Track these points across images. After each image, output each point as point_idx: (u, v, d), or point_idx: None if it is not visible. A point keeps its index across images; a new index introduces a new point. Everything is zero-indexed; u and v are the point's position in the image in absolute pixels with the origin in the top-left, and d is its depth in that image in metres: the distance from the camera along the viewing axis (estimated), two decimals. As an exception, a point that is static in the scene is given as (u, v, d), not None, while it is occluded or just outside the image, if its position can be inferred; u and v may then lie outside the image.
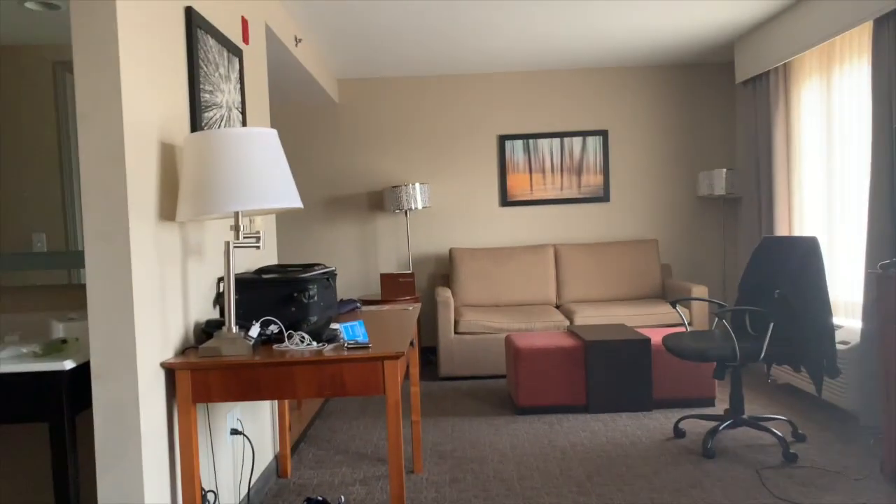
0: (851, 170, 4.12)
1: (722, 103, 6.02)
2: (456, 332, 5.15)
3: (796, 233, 4.73)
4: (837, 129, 4.25)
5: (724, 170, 5.55)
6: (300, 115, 6.04)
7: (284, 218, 6.07)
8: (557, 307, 5.72)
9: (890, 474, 3.00)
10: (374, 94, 6.02)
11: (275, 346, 2.24)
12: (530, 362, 4.20)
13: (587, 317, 5.12)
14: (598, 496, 2.97)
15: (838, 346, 3.83)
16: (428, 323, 6.10)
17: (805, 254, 3.36)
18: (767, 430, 3.43)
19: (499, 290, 5.64)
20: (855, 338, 3.77)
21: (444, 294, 5.20)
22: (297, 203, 2.14)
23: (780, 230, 4.80)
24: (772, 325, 3.35)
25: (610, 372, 4.19)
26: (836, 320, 4.11)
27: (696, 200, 6.06)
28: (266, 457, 3.23)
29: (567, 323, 5.09)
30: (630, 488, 3.04)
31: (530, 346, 4.23)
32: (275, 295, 2.44)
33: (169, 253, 2.20)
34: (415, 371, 3.34)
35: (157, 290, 2.10)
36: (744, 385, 4.75)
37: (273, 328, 2.34)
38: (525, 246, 5.85)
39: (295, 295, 2.44)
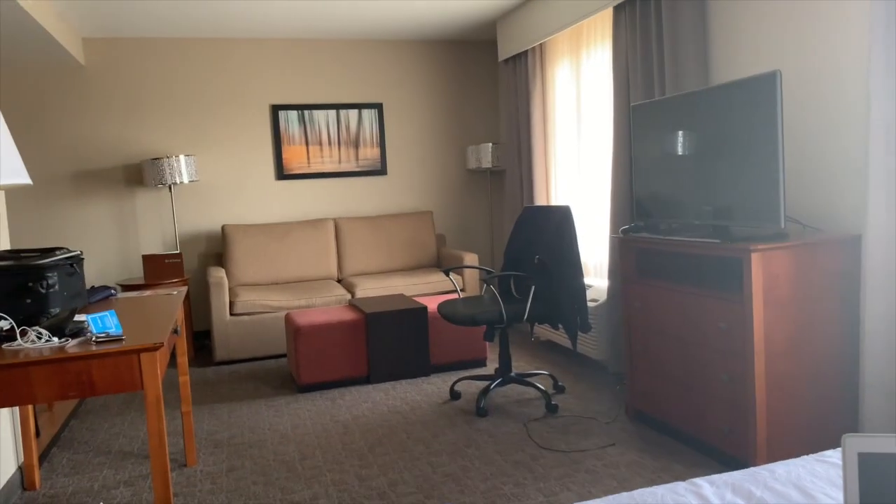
0: (597, 143, 4.56)
1: (488, 80, 6.33)
2: (232, 314, 4.90)
3: (553, 202, 5.14)
4: (585, 106, 4.66)
5: (490, 144, 5.86)
6: (38, 78, 5.28)
7: (22, 197, 5.31)
8: (339, 281, 5.69)
9: (633, 415, 3.41)
10: (129, 56, 5.45)
11: (5, 346, 1.94)
12: (311, 339, 4.13)
13: (368, 289, 5.15)
14: (380, 466, 3.02)
15: (589, 304, 4.25)
16: (201, 306, 5.74)
17: (560, 221, 3.65)
18: (532, 384, 3.72)
19: (277, 267, 5.46)
20: (603, 296, 4.21)
21: (217, 274, 4.92)
22: (21, 179, 1.86)
23: (539, 200, 5.19)
24: (533, 287, 3.61)
25: (390, 342, 4.26)
26: (586, 281, 4.55)
27: (466, 173, 6.34)
28: (7, 470, 2.83)
29: (348, 296, 5.09)
30: (410, 454, 3.13)
31: (310, 323, 4.16)
32: (5, 286, 2.11)
33: None
34: (183, 360, 3.12)
35: None
36: (511, 345, 5.10)
37: (3, 324, 2.02)
38: (304, 220, 5.72)
39: (30, 285, 2.13)
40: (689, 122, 2.97)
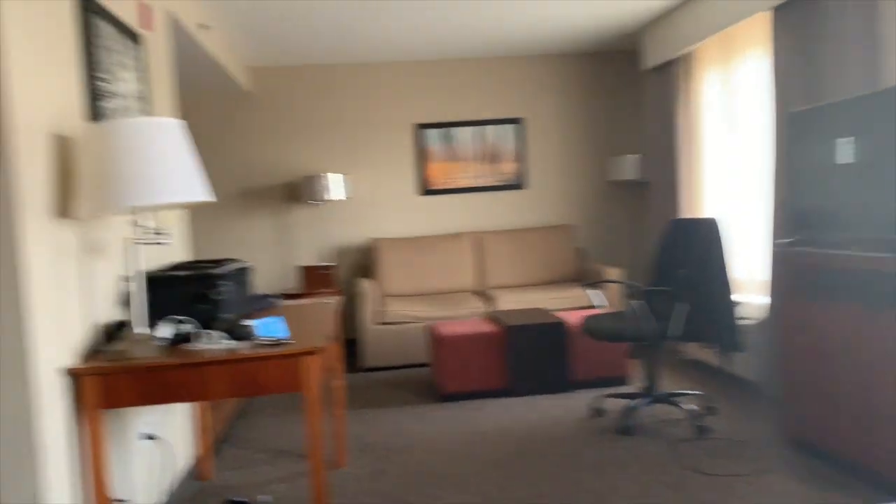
0: (751, 153, 4.32)
1: (630, 91, 6.19)
2: (379, 323, 5.11)
3: (702, 215, 4.93)
4: (738, 114, 4.44)
5: (634, 155, 5.72)
6: (211, 104, 5.82)
7: (200, 212, 5.86)
8: (479, 294, 5.77)
9: (792, 441, 3.19)
10: (288, 82, 5.87)
11: (186, 346, 2.15)
12: (453, 349, 4.22)
13: (507, 302, 5.19)
14: (522, 478, 3.02)
15: (743, 322, 4.02)
16: (352, 315, 6.03)
17: (707, 235, 3.50)
18: (680, 405, 3.58)
19: (421, 278, 5.64)
20: (759, 313, 3.97)
21: (366, 285, 5.15)
22: (205, 196, 2.06)
23: (687, 213, 4.99)
24: (681, 304, 3.48)
25: (530, 355, 4.26)
26: (740, 297, 4.31)
27: (607, 185, 6.22)
28: (184, 460, 3.12)
29: (489, 309, 5.15)
30: (553, 469, 3.11)
31: (452, 334, 4.25)
32: (185, 292, 2.35)
33: (68, 252, 2.07)
34: (337, 365, 3.30)
35: (54, 292, 1.97)
36: (657, 363, 4.92)
37: (184, 327, 2.24)
38: (446, 234, 5.86)
39: (207, 292, 2.35)
40: (859, 127, 2.75)
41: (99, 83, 2.35)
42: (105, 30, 2.45)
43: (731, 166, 4.56)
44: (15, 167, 1.79)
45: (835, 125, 2.89)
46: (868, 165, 2.71)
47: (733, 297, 3.42)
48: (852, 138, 2.79)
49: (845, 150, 2.83)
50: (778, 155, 3.76)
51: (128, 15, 2.75)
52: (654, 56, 5.24)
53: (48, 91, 2.00)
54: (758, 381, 3.94)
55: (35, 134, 1.91)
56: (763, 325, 3.87)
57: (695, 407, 3.85)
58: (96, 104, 2.32)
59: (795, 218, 3.17)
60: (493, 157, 6.08)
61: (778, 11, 3.74)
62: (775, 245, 3.76)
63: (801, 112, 3.11)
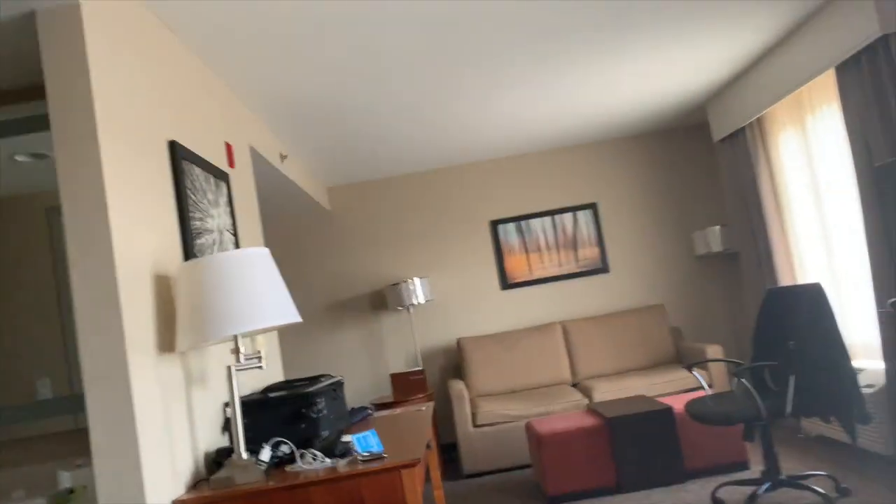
0: (841, 211, 4.14)
1: (704, 162, 6.12)
2: (474, 425, 5.02)
3: (798, 281, 4.70)
4: (820, 173, 4.30)
5: (718, 227, 5.58)
6: (294, 226, 6.12)
7: (288, 330, 6.04)
8: (574, 385, 5.61)
9: (945, 520, 2.86)
10: (365, 197, 6.13)
11: (287, 468, 2.17)
12: (554, 447, 4.07)
13: (605, 392, 5.01)
14: (644, 584, 2.81)
15: (864, 390, 3.73)
16: (445, 418, 5.96)
17: (812, 301, 3.32)
18: (809, 487, 3.29)
19: (512, 375, 5.55)
20: (879, 379, 3.68)
21: (458, 387, 5.11)
22: (294, 318, 2.13)
23: (783, 280, 4.77)
24: (792, 377, 3.27)
25: (637, 447, 4.05)
26: (855, 363, 4.02)
27: (694, 260, 6.06)
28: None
29: (586, 401, 4.98)
30: (676, 571, 2.88)
31: (552, 431, 4.12)
32: (282, 413, 2.39)
33: (171, 385, 2.17)
34: (436, 473, 3.23)
35: (163, 426, 2.05)
36: (776, 443, 4.59)
37: (284, 448, 2.27)
38: (532, 327, 5.80)
39: (303, 411, 2.39)
40: (955, 172, 2.61)
41: (194, 222, 2.53)
42: (196, 172, 2.65)
43: (823, 227, 4.37)
44: (123, 311, 1.91)
45: (929, 173, 2.75)
46: (974, 211, 2.54)
47: (851, 365, 3.19)
48: (951, 185, 2.64)
49: (946, 198, 2.68)
50: (865, 211, 3.59)
51: (215, 156, 2.98)
52: (724, 126, 5.20)
53: (149, 236, 2.17)
54: (892, 454, 3.59)
55: (140, 278, 2.05)
56: (885, 391, 3.57)
57: (825, 489, 3.53)
58: (192, 242, 2.49)
59: (903, 274, 2.98)
60: (571, 245, 6.06)
61: (839, 69, 3.67)
62: (883, 305, 3.52)
63: (889, 164, 2.98)
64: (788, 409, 3.24)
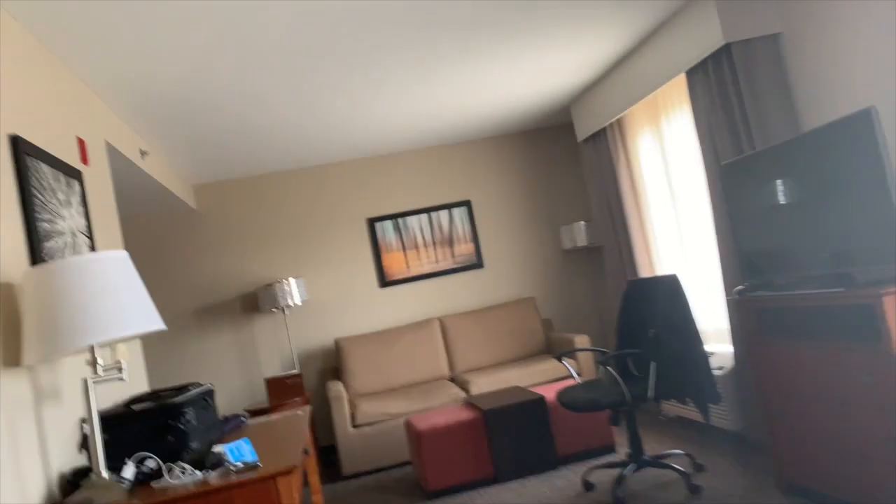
0: (693, 206, 4.46)
1: (570, 160, 6.39)
2: (354, 426, 4.97)
3: (657, 272, 5.02)
4: (674, 171, 4.61)
5: (583, 222, 5.85)
6: (157, 226, 5.78)
7: (153, 338, 5.71)
8: (452, 379, 5.69)
9: (783, 487, 3.15)
10: (234, 195, 5.90)
11: (153, 484, 2.04)
12: (434, 443, 4.11)
13: (482, 384, 5.12)
14: (522, 570, 2.90)
15: (715, 372, 4.04)
16: (324, 421, 5.86)
17: (669, 292, 3.55)
18: (669, 466, 3.53)
19: (391, 372, 5.54)
20: (728, 362, 4.00)
21: (336, 388, 5.03)
22: (158, 325, 2.01)
23: (643, 272, 5.08)
24: (654, 364, 3.48)
25: (512, 437, 4.17)
26: (708, 348, 4.35)
27: (562, 254, 6.32)
28: None
29: (463, 395, 5.07)
30: (551, 554, 2.99)
31: (431, 427, 4.15)
32: (147, 427, 2.25)
33: (16, 402, 1.98)
34: (314, 478, 3.17)
35: (6, 448, 1.87)
36: (639, 426, 4.88)
37: (150, 463, 2.14)
38: (411, 323, 5.82)
39: (170, 423, 2.26)
40: (788, 171, 2.88)
41: (42, 224, 2.32)
42: (43, 169, 2.44)
43: (678, 221, 4.69)
44: (-44, 323, 1.72)
45: (766, 171, 3.01)
46: (801, 205, 2.81)
47: (704, 350, 3.44)
48: (783, 181, 2.91)
49: (780, 193, 2.95)
50: (714, 206, 3.89)
51: (65, 152, 2.75)
52: (587, 126, 5.45)
53: (-13, 240, 1.96)
54: (740, 429, 3.92)
55: (-25, 285, 1.86)
56: (733, 373, 3.89)
57: (683, 467, 3.80)
58: (40, 245, 2.28)
59: (746, 264, 3.25)
60: (447, 241, 6.14)
61: (689, 74, 3.95)
62: (731, 293, 3.84)
63: (732, 163, 3.24)
64: (651, 393, 3.45)
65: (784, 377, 2.99)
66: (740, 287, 3.22)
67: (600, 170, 5.43)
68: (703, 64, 3.83)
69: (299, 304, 5.59)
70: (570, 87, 5.11)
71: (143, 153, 4.06)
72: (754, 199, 3.12)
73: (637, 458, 3.63)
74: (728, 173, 3.29)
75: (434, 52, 3.76)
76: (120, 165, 3.80)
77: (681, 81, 4.32)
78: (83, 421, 2.42)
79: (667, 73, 4.14)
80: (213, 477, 2.00)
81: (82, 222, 2.76)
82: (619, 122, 5.16)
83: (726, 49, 3.61)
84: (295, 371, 5.35)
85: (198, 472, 2.06)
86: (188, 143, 4.56)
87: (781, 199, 2.94)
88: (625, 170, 5.16)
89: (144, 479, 2.12)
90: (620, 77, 4.73)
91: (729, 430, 4.01)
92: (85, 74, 3.13)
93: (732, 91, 3.61)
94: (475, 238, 6.19)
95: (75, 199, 2.72)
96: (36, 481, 2.01)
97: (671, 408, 4.68)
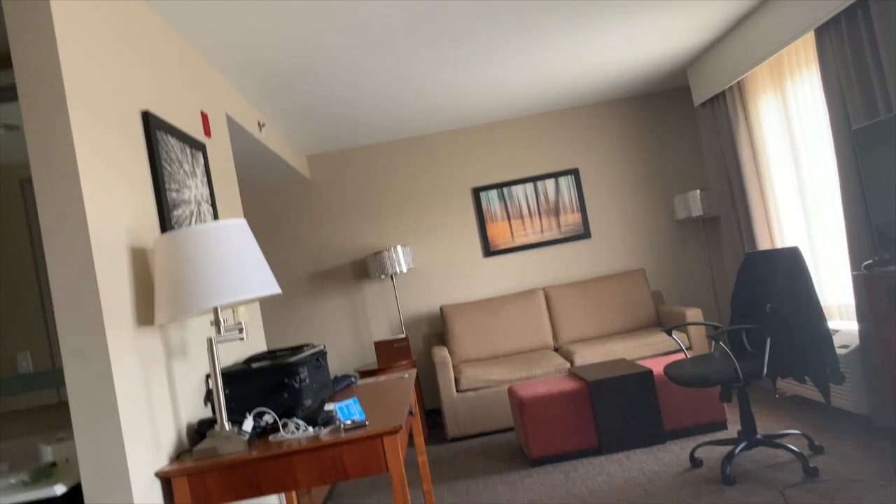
0: (820, 175, 4.17)
1: (685, 126, 6.12)
2: (458, 391, 5.07)
3: (777, 244, 4.75)
4: (799, 137, 4.32)
5: (698, 191, 5.61)
6: (273, 195, 6.07)
7: (270, 300, 6.03)
8: (556, 350, 5.67)
9: (913, 475, 2.95)
10: (345, 165, 6.08)
11: (270, 438, 2.18)
12: (537, 411, 4.13)
13: (586, 356, 5.07)
14: (624, 542, 2.88)
15: (839, 351, 3.80)
16: (429, 385, 6.02)
17: (790, 265, 3.36)
18: (784, 446, 3.37)
19: (495, 340, 5.59)
20: (853, 340, 3.75)
21: (441, 353, 5.14)
22: (274, 289, 2.12)
23: (762, 243, 4.82)
24: (769, 339, 3.32)
25: (617, 409, 4.12)
26: (831, 325, 4.09)
27: (675, 224, 6.10)
28: (279, 551, 3.12)
29: (567, 365, 5.04)
30: (655, 529, 2.96)
31: (534, 395, 4.17)
32: (265, 384, 2.40)
33: (151, 358, 2.16)
34: (419, 439, 3.27)
35: (144, 398, 2.05)
36: (752, 403, 4.69)
37: (267, 419, 2.28)
38: (515, 293, 5.83)
39: (286, 381, 2.39)
40: (930, 135, 2.63)
41: (170, 194, 2.50)
42: (171, 142, 2.61)
43: (802, 190, 4.41)
44: (100, 284, 1.89)
45: (904, 137, 2.77)
46: (948, 174, 2.57)
47: (827, 327, 3.25)
48: (926, 148, 2.66)
49: (920, 161, 2.70)
50: (842, 174, 3.62)
51: (190, 125, 2.93)
52: (704, 90, 5.19)
53: (125, 208, 2.14)
54: (864, 412, 3.68)
55: (116, 250, 2.03)
56: (859, 352, 3.64)
57: (799, 448, 3.62)
58: (169, 214, 2.46)
59: (878, 237, 3.02)
60: (553, 211, 6.07)
61: (819, 32, 3.66)
62: (858, 268, 3.58)
63: (867, 127, 2.99)
64: (765, 370, 3.30)
65: (917, 359, 2.77)
66: (869, 261, 2.99)
67: (718, 135, 5.17)
68: (835, 20, 3.54)
69: (406, 271, 5.73)
70: (687, 49, 4.87)
71: (260, 125, 4.25)
72: (889, 167, 2.88)
73: (749, 435, 3.49)
74: (861, 138, 3.04)
75: (550, 18, 3.68)
76: (239, 137, 4.00)
77: (808, 40, 4.02)
78: (207, 377, 2.62)
79: (794, 32, 3.86)
80: (325, 433, 2.11)
81: (206, 192, 2.94)
82: (740, 85, 4.87)
83: (862, 3, 3.32)
84: (402, 335, 5.51)
85: (310, 428, 2.18)
86: (302, 116, 4.73)
87: (921, 167, 2.69)
88: (745, 135, 4.89)
89: (262, 433, 2.27)
90: (742, 36, 4.45)
91: (853, 412, 3.78)
92: (207, 52, 3.30)
93: (868, 49, 3.32)
94: (582, 207, 6.08)
95: (199, 170, 2.90)
96: (167, 429, 2.19)
97: (789, 386, 4.46)
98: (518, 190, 6.07)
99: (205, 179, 2.95)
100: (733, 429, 4.19)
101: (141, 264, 2.20)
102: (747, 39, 4.40)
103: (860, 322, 3.63)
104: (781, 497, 3.04)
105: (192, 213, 2.71)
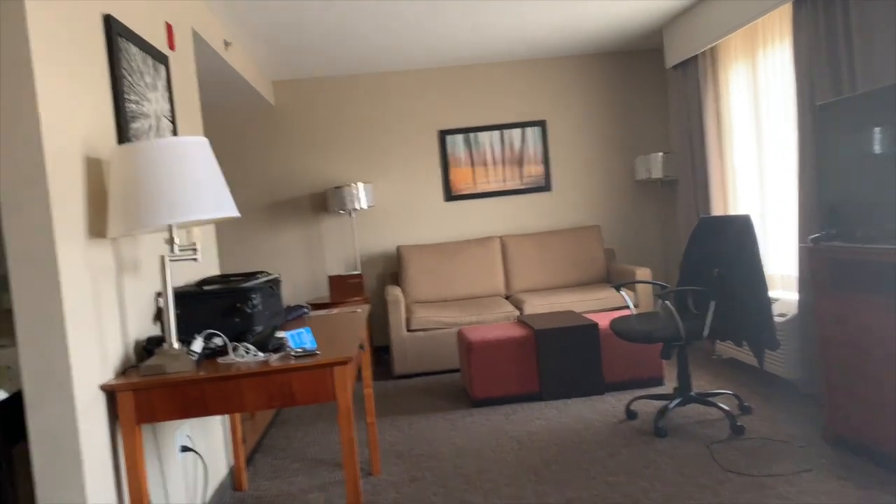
0: (779, 147, 4.26)
1: (654, 88, 6.14)
2: (408, 330, 5.13)
3: (731, 211, 4.87)
4: (764, 109, 4.39)
5: (661, 153, 5.67)
6: (236, 119, 5.91)
7: (226, 226, 5.95)
8: (507, 298, 5.76)
9: (831, 439, 3.13)
10: (312, 95, 5.94)
11: (219, 360, 2.19)
12: (483, 355, 4.22)
13: (536, 306, 5.17)
14: (556, 483, 3.01)
15: (777, 319, 3.96)
16: (380, 322, 6.07)
17: (739, 232, 3.46)
18: (715, 404, 3.53)
19: (448, 284, 5.65)
20: (792, 310, 3.91)
21: (394, 292, 5.18)
22: (232, 212, 2.09)
23: (716, 210, 4.93)
24: (713, 303, 3.44)
25: (561, 359, 4.24)
26: (772, 294, 4.25)
27: (634, 185, 6.18)
28: (220, 471, 3.17)
29: (517, 313, 5.14)
30: (586, 473, 3.09)
31: (482, 339, 4.25)
32: (217, 307, 2.38)
33: (102, 271, 2.12)
34: (367, 373, 3.32)
35: (91, 311, 2.02)
36: (690, 362, 4.87)
37: (217, 341, 2.28)
38: (472, 239, 5.87)
39: (238, 305, 2.39)
40: (889, 118, 2.70)
41: (129, 105, 2.41)
42: (133, 51, 2.51)
43: (761, 161, 4.50)
44: (51, 191, 1.84)
45: (866, 116, 2.84)
46: (900, 156, 2.65)
47: (767, 295, 3.37)
48: (882, 129, 2.74)
49: (876, 142, 2.78)
50: (801, 149, 3.70)
51: (154, 36, 2.81)
52: (677, 53, 5.20)
53: (81, 116, 2.06)
54: (794, 378, 3.87)
55: (69, 158, 1.96)
56: (796, 321, 3.81)
57: (729, 407, 3.80)
58: (127, 126, 2.38)
59: (827, 212, 3.12)
60: (517, 161, 6.07)
61: (797, 4, 3.68)
62: (805, 241, 3.70)
63: (830, 104, 3.06)
64: (706, 332, 3.43)
65: (848, 330, 2.91)
66: (816, 235, 3.10)
67: (686, 99, 5.21)
68: (812, -6, 3.56)
69: (366, 208, 5.70)
70: (665, 9, 4.85)
71: (226, 44, 4.10)
72: (846, 145, 2.95)
73: (683, 392, 3.64)
74: (823, 114, 3.11)
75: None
76: (204, 54, 3.87)
77: (785, 13, 4.04)
78: (158, 295, 2.59)
79: (772, 2, 3.87)
80: (275, 359, 2.12)
81: (166, 107, 2.85)
82: (713, 51, 4.90)
83: (841, -21, 3.34)
84: (357, 272, 5.51)
85: (260, 354, 2.19)
86: (272, 37, 4.57)
87: (877, 149, 2.77)
88: (712, 102, 4.94)
89: (211, 355, 2.27)
90: (719, 3, 4.45)
91: (783, 377, 3.97)
92: (176, -42, 3.15)
93: (841, 26, 3.36)
94: (546, 160, 6.10)
95: (161, 84, 2.80)
96: (115, 344, 2.17)
97: (726, 349, 4.64)
98: (484, 137, 6.05)
99: (166, 94, 2.85)
100: (670, 385, 4.36)
101: (95, 175, 2.14)
102: (725, 6, 4.40)
103: (800, 293, 3.77)
104: (707, 451, 3.21)
105: (150, 128, 2.62)
